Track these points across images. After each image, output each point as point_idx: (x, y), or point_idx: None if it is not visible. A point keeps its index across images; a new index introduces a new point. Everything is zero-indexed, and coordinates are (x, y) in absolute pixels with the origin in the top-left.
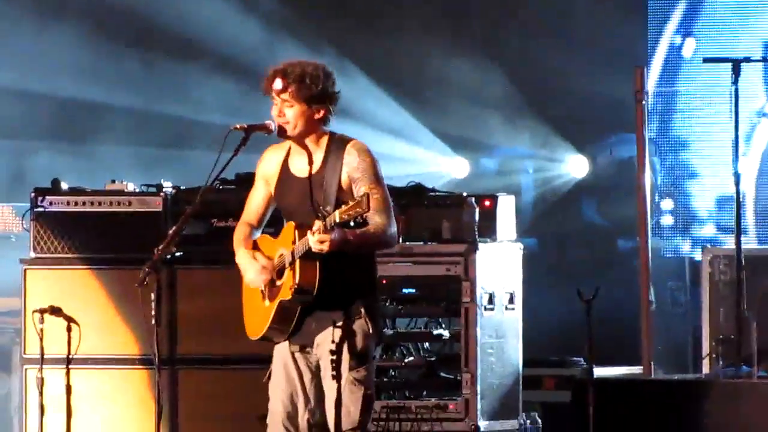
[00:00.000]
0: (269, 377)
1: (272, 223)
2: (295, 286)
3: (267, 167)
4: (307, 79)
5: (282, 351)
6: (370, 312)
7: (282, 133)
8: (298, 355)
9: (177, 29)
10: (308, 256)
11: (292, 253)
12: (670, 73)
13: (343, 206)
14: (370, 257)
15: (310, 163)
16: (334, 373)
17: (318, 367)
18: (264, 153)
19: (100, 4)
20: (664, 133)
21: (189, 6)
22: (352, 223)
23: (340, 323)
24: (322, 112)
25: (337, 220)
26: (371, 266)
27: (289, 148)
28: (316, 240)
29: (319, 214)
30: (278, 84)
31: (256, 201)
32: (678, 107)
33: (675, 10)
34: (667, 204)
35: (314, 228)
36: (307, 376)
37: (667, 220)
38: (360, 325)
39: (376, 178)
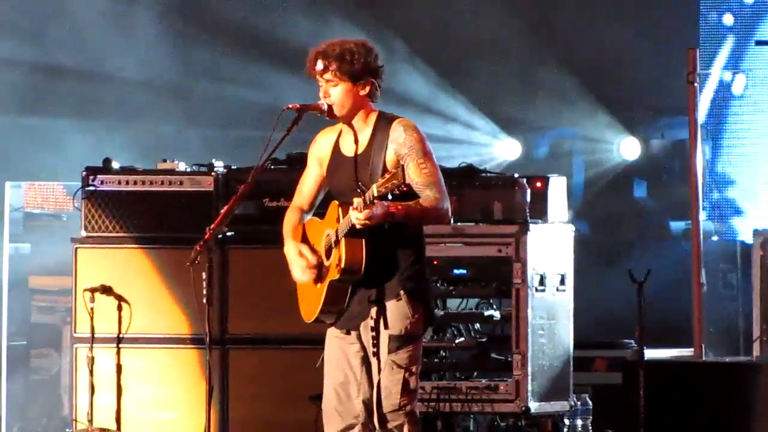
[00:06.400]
0: (322, 362)
1: (322, 206)
2: (343, 265)
3: (320, 149)
4: (347, 55)
5: (333, 335)
6: (414, 295)
7: (331, 114)
8: (345, 339)
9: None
10: (353, 233)
11: (337, 232)
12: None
13: (379, 180)
14: (415, 237)
15: (356, 141)
16: (375, 350)
17: (365, 349)
18: (317, 135)
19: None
20: (716, 117)
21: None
22: (390, 197)
23: (373, 299)
24: (367, 88)
25: (375, 194)
26: (415, 245)
27: (341, 129)
28: (357, 216)
29: (358, 190)
30: (320, 65)
31: (309, 184)
32: (732, 92)
33: None
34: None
35: (354, 204)
36: (356, 361)
37: (718, 204)
38: (400, 307)
39: (424, 153)
